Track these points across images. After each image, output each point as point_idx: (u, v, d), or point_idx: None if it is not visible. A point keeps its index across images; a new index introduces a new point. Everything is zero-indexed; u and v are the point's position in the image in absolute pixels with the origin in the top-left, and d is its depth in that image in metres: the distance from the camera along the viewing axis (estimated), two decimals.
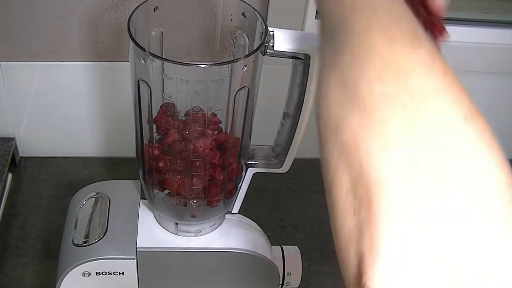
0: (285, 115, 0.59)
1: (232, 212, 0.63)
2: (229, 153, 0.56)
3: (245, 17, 0.55)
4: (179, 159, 0.55)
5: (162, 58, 0.48)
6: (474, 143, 0.33)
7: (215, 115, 0.56)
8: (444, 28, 0.45)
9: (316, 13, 0.87)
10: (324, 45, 0.38)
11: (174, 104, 0.53)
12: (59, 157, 0.96)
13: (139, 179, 0.61)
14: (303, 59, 0.52)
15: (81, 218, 0.63)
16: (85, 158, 0.96)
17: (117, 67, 0.85)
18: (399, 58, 0.34)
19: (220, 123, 0.56)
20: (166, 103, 0.54)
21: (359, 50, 0.35)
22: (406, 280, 0.29)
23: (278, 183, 0.96)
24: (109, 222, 0.62)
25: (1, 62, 0.84)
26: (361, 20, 0.36)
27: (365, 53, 0.34)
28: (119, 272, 0.61)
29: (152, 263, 0.61)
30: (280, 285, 0.66)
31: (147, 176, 0.58)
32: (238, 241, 0.63)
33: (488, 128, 0.34)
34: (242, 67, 0.49)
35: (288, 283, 0.66)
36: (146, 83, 0.51)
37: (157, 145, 0.56)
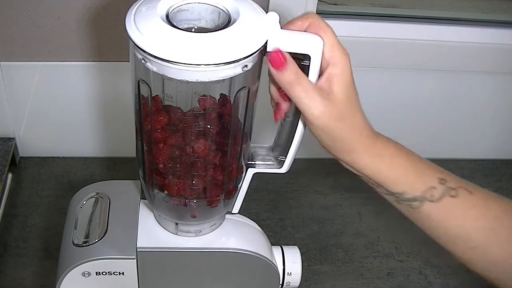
0: (285, 115, 0.59)
1: (232, 212, 0.63)
2: (229, 154, 0.56)
3: None
4: (179, 163, 0.56)
5: (162, 58, 0.48)
6: None
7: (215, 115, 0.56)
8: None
9: (316, 13, 0.87)
10: None
11: (174, 106, 0.54)
12: (59, 157, 0.96)
13: (139, 179, 0.61)
14: (303, 59, 0.52)
15: (81, 218, 0.63)
16: (85, 158, 0.96)
17: (117, 67, 0.86)
18: None
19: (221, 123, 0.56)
20: (165, 105, 0.54)
21: None
22: None
23: (278, 183, 0.96)
24: (109, 222, 0.62)
25: (1, 62, 0.84)
26: None
27: None
28: (119, 272, 0.61)
29: (152, 263, 0.61)
30: (280, 285, 0.66)
31: (147, 176, 0.58)
32: (238, 241, 0.63)
33: None
34: (242, 67, 0.49)
35: (288, 283, 0.66)
36: (146, 83, 0.51)
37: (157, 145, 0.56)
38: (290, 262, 0.66)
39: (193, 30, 0.52)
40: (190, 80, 0.48)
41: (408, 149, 0.56)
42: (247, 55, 0.48)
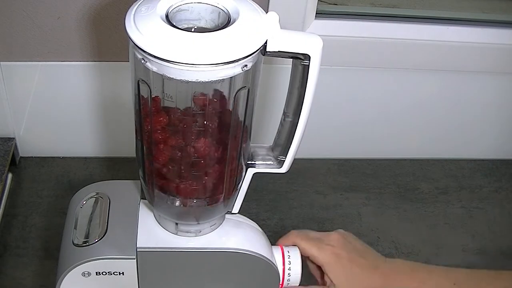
0: (285, 115, 0.59)
1: (232, 212, 0.63)
2: (229, 154, 0.56)
3: None
4: (179, 163, 0.56)
5: (161, 58, 0.48)
6: None
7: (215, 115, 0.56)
8: None
9: (316, 13, 0.87)
10: None
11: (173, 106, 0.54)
12: (59, 157, 0.96)
13: (139, 179, 0.61)
14: (303, 59, 0.53)
15: (81, 218, 0.63)
16: (85, 158, 0.96)
17: (117, 67, 0.86)
18: None
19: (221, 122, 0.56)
20: (165, 106, 0.54)
21: None
22: None
23: (278, 183, 0.96)
24: (109, 222, 0.62)
25: (1, 62, 0.84)
26: None
27: None
28: (119, 272, 0.61)
29: (152, 263, 0.61)
30: (280, 285, 0.66)
31: (147, 176, 0.58)
32: (238, 241, 0.63)
33: None
34: (242, 67, 0.49)
35: (288, 283, 0.66)
36: (146, 83, 0.51)
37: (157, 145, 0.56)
38: (290, 262, 0.66)
39: (192, 30, 0.52)
40: (190, 80, 0.49)
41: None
42: (246, 55, 0.48)
